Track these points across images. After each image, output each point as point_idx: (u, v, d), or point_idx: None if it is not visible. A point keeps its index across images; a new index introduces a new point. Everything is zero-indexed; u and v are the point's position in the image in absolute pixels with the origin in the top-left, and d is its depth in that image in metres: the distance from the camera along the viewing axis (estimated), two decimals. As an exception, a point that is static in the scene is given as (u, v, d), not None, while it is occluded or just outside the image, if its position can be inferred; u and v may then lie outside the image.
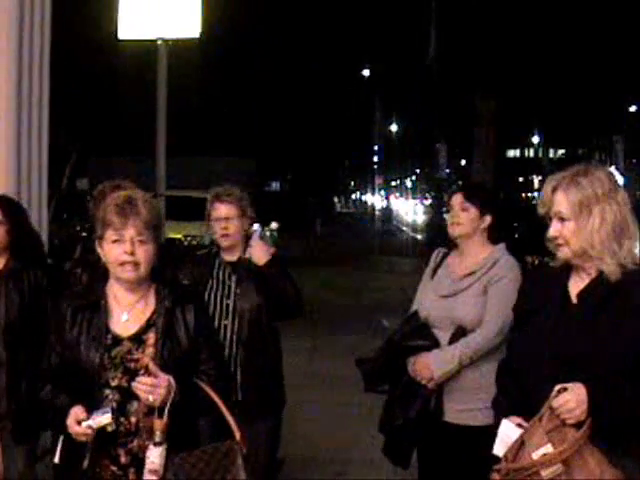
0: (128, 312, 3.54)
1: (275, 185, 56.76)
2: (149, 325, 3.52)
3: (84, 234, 5.41)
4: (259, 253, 4.94)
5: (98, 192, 4.94)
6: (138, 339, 3.50)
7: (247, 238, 5.05)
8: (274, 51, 35.88)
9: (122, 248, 3.42)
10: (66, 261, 4.99)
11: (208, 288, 4.96)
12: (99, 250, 3.49)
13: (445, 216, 5.49)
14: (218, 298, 4.93)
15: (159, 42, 20.77)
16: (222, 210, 5.00)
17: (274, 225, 24.47)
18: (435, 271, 5.03)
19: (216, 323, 4.80)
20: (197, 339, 3.53)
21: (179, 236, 17.52)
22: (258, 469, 4.79)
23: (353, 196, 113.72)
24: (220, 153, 32.12)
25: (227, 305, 4.91)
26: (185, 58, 22.27)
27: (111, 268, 3.49)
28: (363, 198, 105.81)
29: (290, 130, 42.72)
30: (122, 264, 3.43)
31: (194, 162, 28.69)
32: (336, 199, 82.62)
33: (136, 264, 3.43)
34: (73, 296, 3.63)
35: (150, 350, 3.48)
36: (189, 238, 18.15)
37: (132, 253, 3.40)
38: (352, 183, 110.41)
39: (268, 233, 21.68)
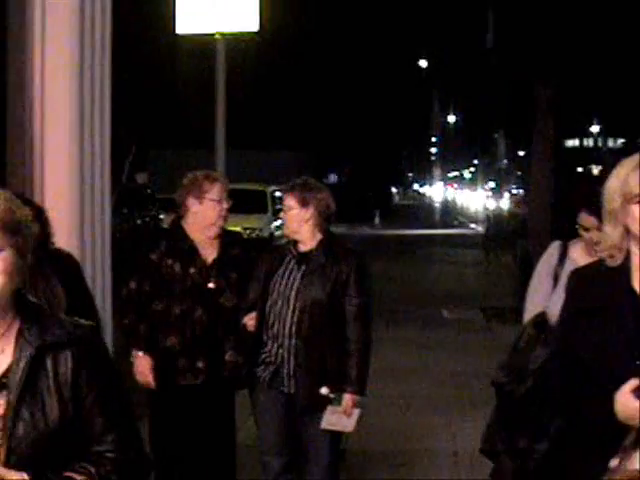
0: None
1: (333, 178, 56.78)
2: (1, 385, 2.19)
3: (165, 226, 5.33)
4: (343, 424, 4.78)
5: (189, 181, 4.91)
6: None
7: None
8: (332, 43, 35.87)
9: None
10: (150, 253, 4.90)
11: (276, 278, 4.92)
12: None
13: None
14: (282, 288, 4.90)
15: (217, 36, 20.98)
16: (285, 201, 4.97)
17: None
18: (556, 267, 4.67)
19: (278, 313, 4.77)
20: (81, 404, 2.20)
21: (238, 229, 17.60)
22: (321, 461, 4.78)
23: (411, 187, 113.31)
24: (278, 146, 32.21)
25: (288, 297, 4.87)
26: (244, 51, 22.35)
27: None
28: (421, 189, 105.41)
29: (348, 122, 42.68)
30: None
31: (252, 155, 28.80)
32: (394, 190, 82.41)
33: None
34: None
35: None
36: (248, 231, 18.26)
37: None
38: (410, 174, 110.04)
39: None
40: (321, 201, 4.83)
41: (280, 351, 4.69)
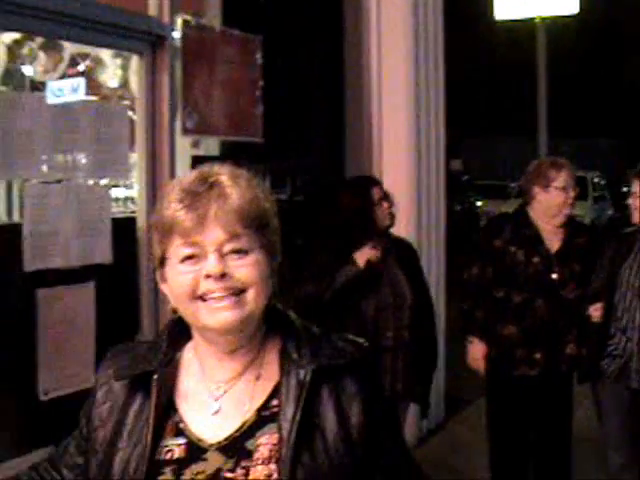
0: (219, 396, 1.74)
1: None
2: (262, 421, 1.70)
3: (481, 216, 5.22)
4: None
5: (534, 168, 4.85)
6: (238, 449, 1.68)
7: None
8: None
9: (199, 267, 1.66)
10: (494, 239, 4.87)
11: (624, 268, 4.71)
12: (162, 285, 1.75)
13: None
14: (631, 279, 4.67)
15: (537, 20, 20.63)
16: (632, 187, 4.74)
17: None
18: None
19: (627, 305, 4.56)
20: (369, 441, 1.71)
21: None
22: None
23: None
24: (596, 133, 31.24)
25: (639, 287, 4.60)
26: (563, 36, 21.79)
27: (182, 310, 1.71)
28: None
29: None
30: (204, 298, 1.65)
31: (572, 142, 28.16)
32: None
33: (235, 294, 1.66)
34: (119, 366, 1.79)
35: (262, 472, 1.65)
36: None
37: (222, 274, 1.64)
38: None
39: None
40: None
41: (629, 345, 4.49)
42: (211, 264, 1.62)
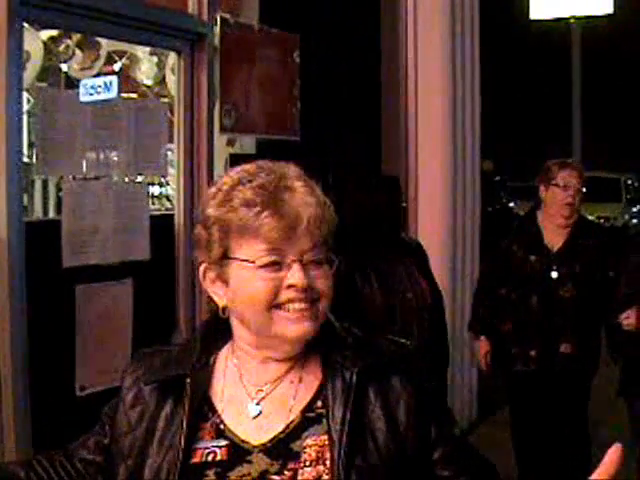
0: (259, 400, 1.68)
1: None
2: (307, 422, 1.66)
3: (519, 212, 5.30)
4: None
5: (543, 168, 4.86)
6: (284, 451, 1.63)
7: None
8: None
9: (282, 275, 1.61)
10: (501, 239, 4.98)
11: None
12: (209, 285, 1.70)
13: None
14: None
15: (571, 20, 20.54)
16: None
17: None
18: None
19: None
20: (420, 436, 1.67)
21: (591, 218, 17.13)
22: None
23: None
24: (633, 135, 31.00)
25: None
26: (598, 36, 21.65)
27: (251, 316, 1.63)
28: None
29: None
30: (283, 307, 1.61)
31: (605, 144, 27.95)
32: None
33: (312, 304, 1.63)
34: (149, 369, 1.73)
35: (310, 474, 1.60)
36: (602, 220, 17.70)
37: (304, 287, 1.60)
38: None
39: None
40: None
41: None
42: (297, 275, 1.58)
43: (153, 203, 4.92)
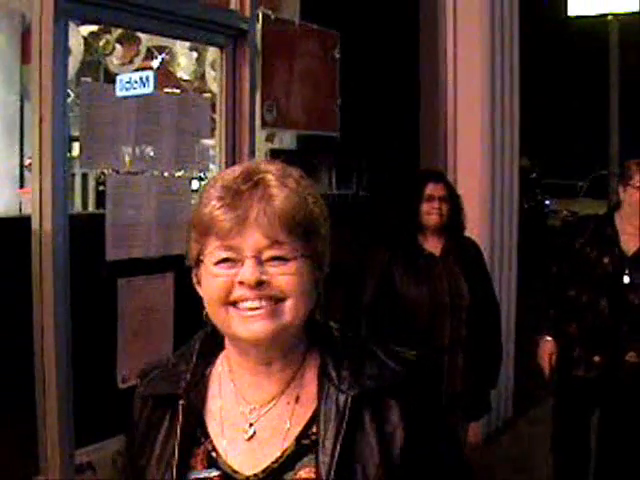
0: (254, 420, 1.57)
1: None
2: (301, 450, 1.54)
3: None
4: None
5: (623, 167, 4.75)
6: None
7: None
8: None
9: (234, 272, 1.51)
10: (575, 239, 4.79)
11: None
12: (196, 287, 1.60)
13: None
14: None
15: (609, 17, 20.32)
16: None
17: None
18: None
19: None
20: (414, 462, 1.54)
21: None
22: None
23: None
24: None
25: None
26: (637, 34, 21.42)
27: (213, 315, 1.55)
28: None
29: None
30: (237, 305, 1.51)
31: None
32: None
33: (275, 302, 1.51)
34: (147, 385, 1.67)
35: None
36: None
37: (258, 282, 1.49)
38: None
39: None
40: None
41: None
42: (246, 271, 1.47)
43: (194, 198, 4.94)
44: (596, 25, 20.99)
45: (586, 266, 4.55)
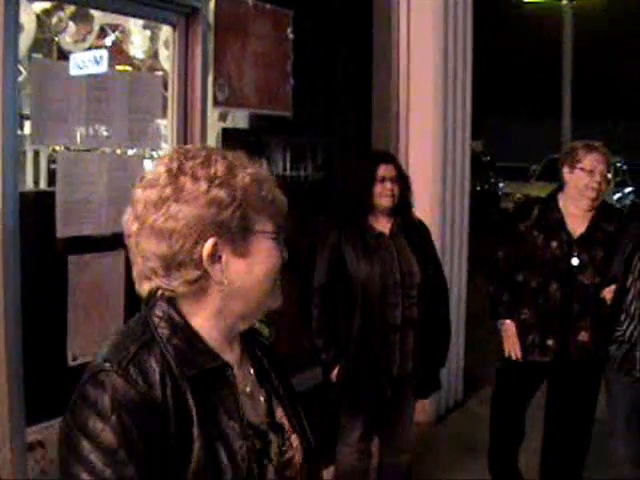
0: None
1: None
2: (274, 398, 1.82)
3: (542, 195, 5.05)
4: None
5: (566, 149, 4.78)
6: (277, 425, 1.76)
7: None
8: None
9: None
10: (519, 223, 4.80)
11: (639, 253, 4.59)
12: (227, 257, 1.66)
13: None
14: None
15: (563, 2, 20.51)
16: None
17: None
18: None
19: (637, 290, 4.44)
20: None
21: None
22: None
23: None
24: (621, 117, 31.06)
25: None
26: (590, 19, 21.64)
27: (261, 288, 1.68)
28: None
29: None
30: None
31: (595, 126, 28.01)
32: None
33: None
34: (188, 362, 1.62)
35: (294, 441, 1.77)
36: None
37: None
38: None
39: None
40: None
41: (635, 332, 4.40)
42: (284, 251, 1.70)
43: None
44: (550, 9, 21.18)
45: (533, 250, 4.57)
